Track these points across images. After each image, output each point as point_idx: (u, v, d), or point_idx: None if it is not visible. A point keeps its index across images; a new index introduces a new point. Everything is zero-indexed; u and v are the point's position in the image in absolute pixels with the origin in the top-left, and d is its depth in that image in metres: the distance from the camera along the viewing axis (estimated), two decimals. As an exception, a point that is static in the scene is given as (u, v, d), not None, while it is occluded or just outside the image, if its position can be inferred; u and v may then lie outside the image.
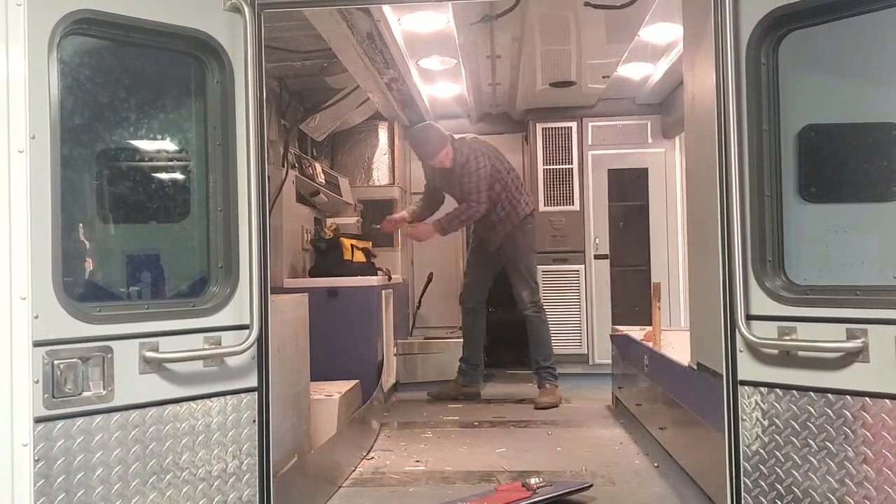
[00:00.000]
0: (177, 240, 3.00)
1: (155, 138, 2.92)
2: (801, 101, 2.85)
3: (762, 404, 2.73)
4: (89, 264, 2.74)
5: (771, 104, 2.78)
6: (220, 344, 2.77)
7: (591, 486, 3.95)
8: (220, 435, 2.78)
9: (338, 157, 8.08)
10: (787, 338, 2.67)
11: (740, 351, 2.77)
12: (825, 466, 2.60)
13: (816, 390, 2.62)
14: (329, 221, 7.20)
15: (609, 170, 7.72)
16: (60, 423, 2.42)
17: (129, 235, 2.93)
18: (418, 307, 8.29)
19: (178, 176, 3.02)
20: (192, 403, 2.72)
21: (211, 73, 2.84)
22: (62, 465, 2.41)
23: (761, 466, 2.73)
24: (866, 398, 2.52)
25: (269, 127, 5.50)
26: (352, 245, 6.43)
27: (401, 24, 5.43)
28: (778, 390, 2.70)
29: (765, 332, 2.71)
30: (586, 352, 7.55)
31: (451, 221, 6.25)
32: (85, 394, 2.47)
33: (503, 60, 6.52)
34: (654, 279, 7.32)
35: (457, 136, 6.26)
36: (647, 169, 7.70)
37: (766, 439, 2.72)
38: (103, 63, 2.68)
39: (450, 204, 6.46)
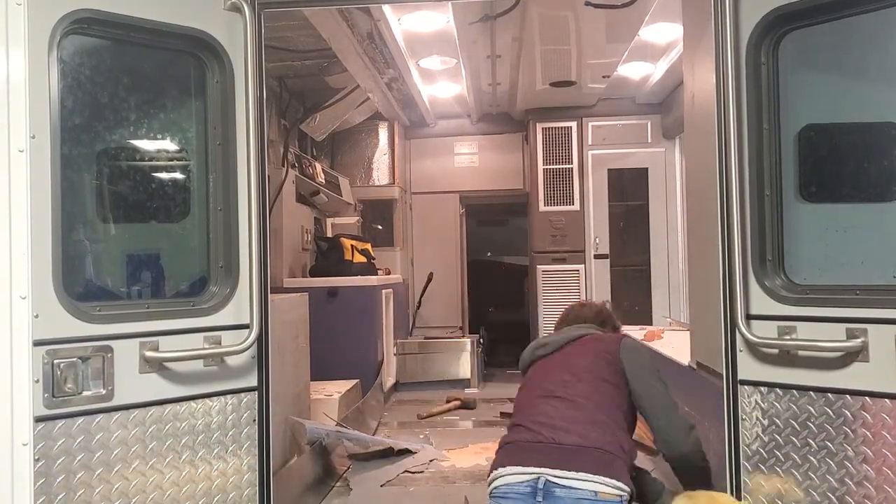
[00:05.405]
0: (177, 239, 2.99)
1: (155, 138, 2.91)
2: (801, 100, 2.83)
3: (762, 404, 2.72)
4: (89, 264, 2.74)
5: (771, 104, 2.77)
6: (220, 343, 2.77)
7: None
8: (221, 434, 2.78)
9: (338, 157, 8.09)
10: (787, 337, 2.67)
11: (740, 350, 2.76)
12: (825, 466, 2.60)
13: (816, 390, 2.61)
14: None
15: (609, 169, 7.72)
16: (60, 423, 2.42)
17: (130, 235, 2.92)
18: (418, 307, 8.29)
19: (178, 175, 3.01)
20: (192, 403, 2.71)
21: (211, 72, 2.84)
22: (62, 464, 2.41)
23: (761, 466, 2.73)
24: (866, 398, 2.51)
25: (269, 127, 5.49)
26: (352, 246, 6.44)
27: (401, 24, 5.43)
28: (778, 390, 2.69)
29: (765, 331, 2.70)
30: (586, 352, 7.53)
31: None
32: (85, 393, 2.47)
33: (503, 60, 6.52)
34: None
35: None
36: (647, 169, 7.70)
37: (766, 439, 2.72)
38: (103, 63, 2.68)
39: None
